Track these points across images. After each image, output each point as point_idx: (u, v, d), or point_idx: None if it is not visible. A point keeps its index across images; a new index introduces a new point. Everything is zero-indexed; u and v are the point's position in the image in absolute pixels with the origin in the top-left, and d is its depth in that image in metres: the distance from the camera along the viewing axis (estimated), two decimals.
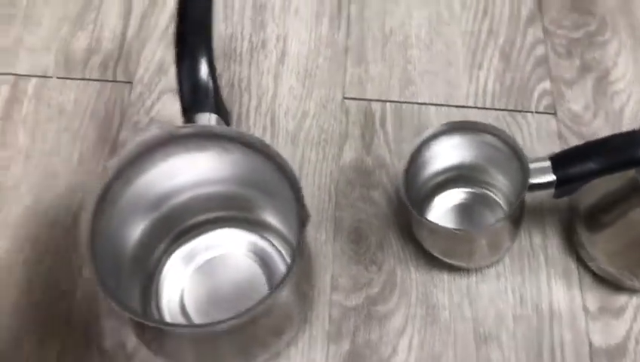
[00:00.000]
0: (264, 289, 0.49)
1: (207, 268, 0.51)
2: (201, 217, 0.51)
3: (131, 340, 0.49)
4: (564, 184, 0.44)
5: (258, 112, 0.60)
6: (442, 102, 0.60)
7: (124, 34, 0.64)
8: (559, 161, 0.44)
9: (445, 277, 0.52)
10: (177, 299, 0.49)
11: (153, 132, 0.43)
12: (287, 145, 0.58)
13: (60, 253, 0.53)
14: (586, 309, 0.51)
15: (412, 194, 0.48)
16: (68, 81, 0.62)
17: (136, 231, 0.46)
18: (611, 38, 0.63)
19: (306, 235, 0.40)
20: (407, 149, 0.57)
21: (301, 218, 0.39)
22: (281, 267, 0.50)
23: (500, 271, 0.52)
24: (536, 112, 0.60)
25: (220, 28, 0.64)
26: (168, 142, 0.44)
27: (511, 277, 0.52)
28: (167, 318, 0.48)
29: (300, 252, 0.40)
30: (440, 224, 0.47)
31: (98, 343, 0.49)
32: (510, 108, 0.60)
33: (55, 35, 0.64)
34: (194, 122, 0.44)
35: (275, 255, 0.51)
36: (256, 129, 0.59)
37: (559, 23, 0.64)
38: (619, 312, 0.51)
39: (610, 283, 0.51)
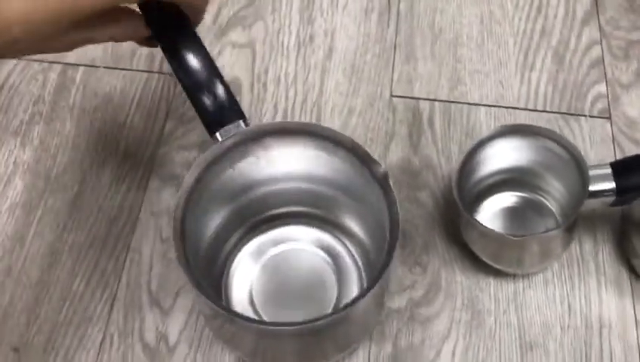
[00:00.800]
0: (333, 290, 0.49)
1: (277, 263, 0.50)
2: (276, 211, 0.51)
3: (173, 334, 0.49)
4: (625, 193, 0.43)
5: (304, 108, 0.59)
6: (493, 103, 0.59)
7: None
8: (621, 168, 0.43)
9: (492, 281, 0.51)
10: (247, 292, 0.49)
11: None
12: None
13: (106, 242, 0.53)
14: (637, 320, 0.49)
15: (463, 195, 0.47)
16: (115, 71, 0.62)
17: (213, 225, 0.47)
18: None
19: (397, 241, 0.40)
20: (456, 150, 0.56)
21: (395, 222, 0.40)
22: (352, 270, 0.50)
23: (548, 277, 0.51)
24: (590, 116, 0.58)
25: (268, 21, 0.64)
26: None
27: (559, 284, 0.51)
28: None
29: (391, 258, 0.39)
30: (491, 228, 0.46)
31: (140, 334, 0.49)
32: (563, 111, 0.58)
33: None
34: (222, 135, 0.43)
35: (347, 257, 0.50)
36: None
37: (617, 24, 0.62)
38: None
39: None
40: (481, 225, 0.45)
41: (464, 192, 0.48)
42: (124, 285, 0.51)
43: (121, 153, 0.58)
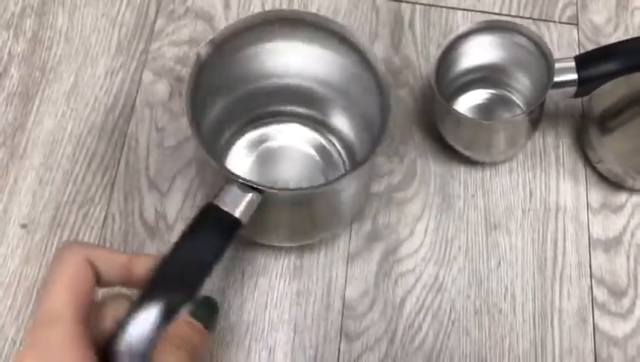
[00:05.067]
0: (320, 181, 0.52)
1: (269, 157, 0.53)
2: (270, 109, 0.53)
3: (171, 213, 0.53)
4: (586, 83, 0.47)
5: (290, 7, 0.62)
6: (470, 8, 0.62)
7: None
8: (583, 61, 0.47)
9: (462, 169, 0.56)
10: None
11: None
12: None
13: (103, 130, 0.56)
14: (588, 205, 0.55)
15: (441, 89, 0.51)
16: None
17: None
18: None
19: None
20: (434, 51, 0.60)
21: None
22: (339, 166, 0.53)
23: (513, 167, 0.56)
24: (559, 22, 0.62)
25: None
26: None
27: (523, 173, 0.56)
28: None
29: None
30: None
31: (140, 213, 0.53)
32: (535, 17, 0.62)
33: None
34: None
35: (335, 155, 0.53)
36: None
37: None
38: (618, 209, 0.55)
39: (613, 183, 0.56)
40: (457, 111, 0.49)
41: (441, 87, 0.52)
42: (123, 170, 0.55)
43: (114, 47, 0.59)
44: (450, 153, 0.56)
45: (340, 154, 0.54)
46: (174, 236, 0.52)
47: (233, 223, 0.38)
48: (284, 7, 0.62)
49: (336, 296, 0.51)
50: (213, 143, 0.51)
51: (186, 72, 0.59)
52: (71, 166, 0.55)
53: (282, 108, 0.54)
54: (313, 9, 0.62)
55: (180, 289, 0.34)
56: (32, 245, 0.52)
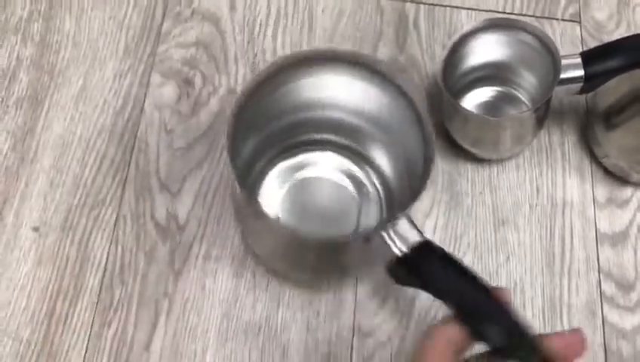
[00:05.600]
0: (354, 217, 0.51)
1: (303, 186, 0.52)
2: (305, 137, 0.52)
3: (182, 214, 0.54)
4: (592, 79, 0.48)
5: (296, 10, 0.62)
6: (473, 7, 0.63)
7: None
8: (589, 57, 0.48)
9: (469, 167, 0.57)
10: (273, 213, 0.51)
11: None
12: (323, 41, 0.61)
13: (112, 133, 0.56)
14: (595, 200, 0.56)
15: (448, 87, 0.51)
16: None
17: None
18: None
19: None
20: (439, 50, 0.60)
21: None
22: (374, 199, 0.51)
23: (519, 163, 0.57)
24: (562, 20, 0.63)
25: None
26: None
27: (529, 169, 0.57)
28: None
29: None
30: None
31: (151, 215, 0.54)
32: (538, 14, 0.63)
33: None
34: None
35: (370, 186, 0.52)
36: (293, 26, 0.62)
37: None
38: (624, 203, 0.56)
39: (618, 178, 0.56)
40: (464, 108, 0.50)
41: (448, 86, 0.52)
42: (133, 172, 0.55)
43: (121, 50, 0.60)
44: (457, 151, 0.56)
45: (374, 185, 0.52)
46: (186, 236, 0.53)
47: None
48: (291, 2, 0.62)
49: (348, 294, 0.52)
50: (247, 173, 0.50)
51: (193, 74, 0.59)
52: (81, 169, 0.55)
53: (316, 136, 0.52)
54: (319, 10, 0.62)
55: None
56: (44, 248, 0.52)
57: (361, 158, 0.52)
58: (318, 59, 0.46)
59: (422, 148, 0.43)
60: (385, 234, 0.40)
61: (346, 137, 0.52)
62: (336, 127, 0.51)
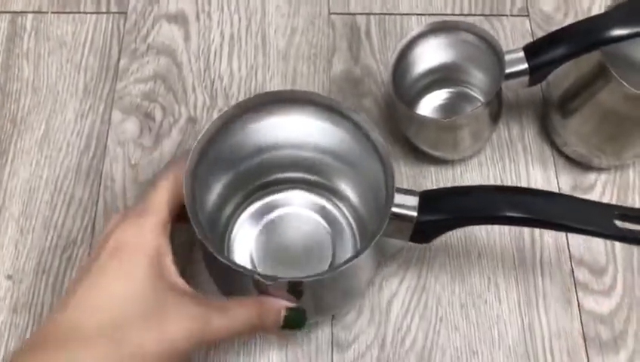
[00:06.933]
0: (329, 251, 0.51)
1: (275, 226, 0.52)
2: (273, 177, 0.52)
3: None
4: (537, 71, 0.48)
5: (249, 32, 0.63)
6: (422, 12, 0.64)
7: None
8: (531, 50, 0.48)
9: (432, 169, 0.57)
10: (247, 254, 0.51)
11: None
12: (279, 61, 0.62)
13: (78, 173, 0.57)
14: (560, 188, 0.56)
15: (400, 94, 0.52)
16: (63, 15, 0.64)
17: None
18: None
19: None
20: (393, 56, 0.61)
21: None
22: (346, 231, 0.52)
23: (482, 160, 0.58)
24: (511, 15, 0.64)
25: None
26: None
27: (492, 165, 0.58)
28: None
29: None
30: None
31: None
32: (487, 13, 0.64)
33: None
34: None
35: (341, 219, 0.52)
36: (248, 49, 0.63)
37: None
38: (589, 189, 0.56)
39: (580, 165, 0.57)
40: (417, 114, 0.51)
41: (401, 92, 0.53)
42: (102, 209, 0.56)
43: (81, 91, 0.61)
44: (419, 155, 0.57)
45: (346, 217, 0.53)
46: None
47: None
48: (244, 27, 0.63)
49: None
50: (216, 220, 0.50)
51: (152, 107, 0.60)
52: (50, 212, 0.56)
53: (284, 175, 0.53)
54: (271, 31, 0.63)
55: None
56: (19, 294, 0.52)
57: (330, 192, 0.53)
58: (276, 101, 0.47)
59: (383, 176, 0.44)
60: (395, 211, 0.43)
61: (312, 174, 0.53)
62: (303, 164, 0.52)
